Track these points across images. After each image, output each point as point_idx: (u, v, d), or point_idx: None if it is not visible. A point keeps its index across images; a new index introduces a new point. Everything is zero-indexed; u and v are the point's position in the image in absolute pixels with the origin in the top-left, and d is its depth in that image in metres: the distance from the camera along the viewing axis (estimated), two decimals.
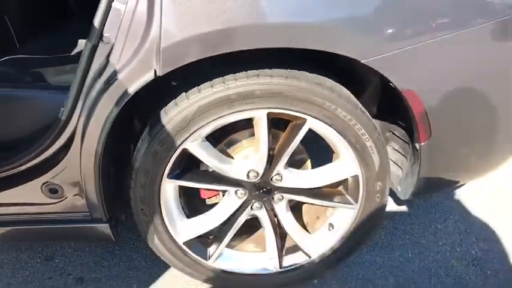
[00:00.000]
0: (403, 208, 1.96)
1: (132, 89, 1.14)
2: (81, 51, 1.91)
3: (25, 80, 1.61)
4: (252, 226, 1.61)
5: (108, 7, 1.14)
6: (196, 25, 1.06)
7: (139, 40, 1.10)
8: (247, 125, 1.39)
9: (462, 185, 1.99)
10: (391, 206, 1.97)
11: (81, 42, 2.00)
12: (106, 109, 1.17)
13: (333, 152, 1.40)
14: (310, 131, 1.30)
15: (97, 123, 1.20)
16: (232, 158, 1.42)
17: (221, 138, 1.43)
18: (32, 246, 1.74)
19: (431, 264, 1.69)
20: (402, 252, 1.74)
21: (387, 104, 1.46)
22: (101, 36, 1.15)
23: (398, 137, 1.52)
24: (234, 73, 1.20)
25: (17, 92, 1.50)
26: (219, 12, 1.05)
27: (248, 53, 1.12)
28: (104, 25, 1.15)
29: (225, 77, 1.19)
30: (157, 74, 1.11)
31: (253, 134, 1.40)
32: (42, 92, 1.50)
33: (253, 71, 1.19)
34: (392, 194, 1.55)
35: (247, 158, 1.38)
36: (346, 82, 1.31)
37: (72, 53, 1.94)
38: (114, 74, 1.14)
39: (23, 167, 1.37)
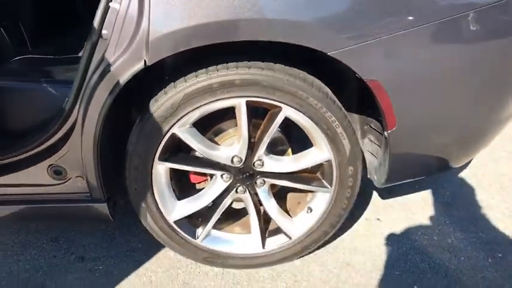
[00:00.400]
0: (387, 201, 2.07)
1: (124, 78, 1.29)
2: None
3: (33, 75, 1.79)
4: (239, 212, 1.75)
5: (107, 7, 1.30)
6: (177, 20, 1.21)
7: (131, 34, 1.26)
8: (233, 115, 1.53)
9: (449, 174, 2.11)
10: (376, 198, 2.09)
11: None
12: (101, 98, 1.33)
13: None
14: (288, 120, 1.44)
15: (94, 112, 1.35)
16: (219, 145, 1.56)
17: (209, 127, 1.58)
18: (39, 229, 1.90)
19: (408, 251, 1.79)
20: (381, 240, 1.85)
21: (362, 97, 1.60)
22: (100, 34, 1.31)
23: (374, 129, 1.65)
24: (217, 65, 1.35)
25: (27, 85, 1.68)
26: (197, 9, 1.20)
27: (238, 47, 1.27)
28: (103, 23, 1.31)
29: (208, 68, 1.35)
30: (147, 64, 1.27)
31: (232, 127, 1.55)
32: (50, 85, 1.67)
33: (233, 63, 1.34)
34: (376, 187, 1.67)
35: (232, 145, 1.52)
36: (329, 80, 1.45)
37: (80, 54, 2.12)
38: (108, 66, 1.30)
39: (32, 152, 1.53)
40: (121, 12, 1.25)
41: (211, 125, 1.58)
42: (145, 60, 1.27)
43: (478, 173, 2.26)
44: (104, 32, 1.31)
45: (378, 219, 1.97)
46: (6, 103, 1.68)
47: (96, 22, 1.32)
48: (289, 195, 1.75)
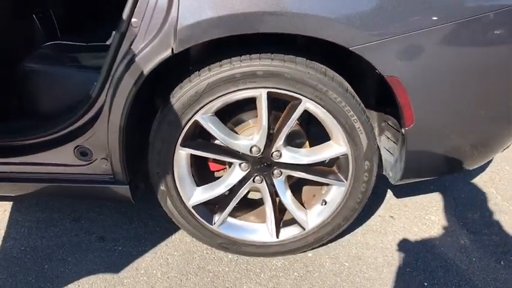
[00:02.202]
0: (402, 200, 2.09)
1: (151, 66, 1.35)
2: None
3: (62, 60, 1.87)
4: (255, 202, 1.79)
5: None
6: (206, 10, 1.26)
7: (161, 23, 1.31)
8: (254, 107, 1.58)
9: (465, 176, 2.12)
10: (391, 197, 2.11)
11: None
12: (128, 85, 1.39)
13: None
14: (307, 113, 1.48)
15: (121, 98, 1.42)
16: (238, 134, 1.61)
17: (230, 117, 1.63)
18: (62, 209, 1.98)
19: (419, 249, 1.81)
20: (394, 237, 1.87)
21: (382, 94, 1.63)
22: (129, 22, 1.37)
23: (392, 126, 1.67)
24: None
25: (56, 69, 1.76)
26: (226, 0, 1.25)
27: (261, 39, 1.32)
28: (133, 12, 1.37)
29: (231, 58, 1.39)
30: (174, 52, 1.32)
31: (251, 118, 1.60)
32: (78, 70, 1.74)
33: (256, 54, 1.39)
34: (391, 185, 1.70)
35: (251, 135, 1.57)
36: (349, 76, 1.49)
37: (107, 43, 2.19)
38: (136, 54, 1.35)
39: (60, 133, 1.60)
40: (151, 1, 1.30)
41: (232, 115, 1.63)
42: (172, 48, 1.32)
43: (495, 177, 2.26)
44: (133, 20, 1.37)
45: (391, 216, 1.99)
46: (36, 86, 1.76)
47: (126, 11, 1.37)
48: (305, 188, 1.79)
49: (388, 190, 2.15)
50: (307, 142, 1.68)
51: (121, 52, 1.40)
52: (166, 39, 1.31)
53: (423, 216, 2.00)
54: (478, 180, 2.23)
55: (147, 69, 1.35)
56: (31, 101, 1.78)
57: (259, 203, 1.78)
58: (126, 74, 1.38)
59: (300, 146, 1.67)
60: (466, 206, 2.06)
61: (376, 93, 1.69)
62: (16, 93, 1.83)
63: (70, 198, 1.98)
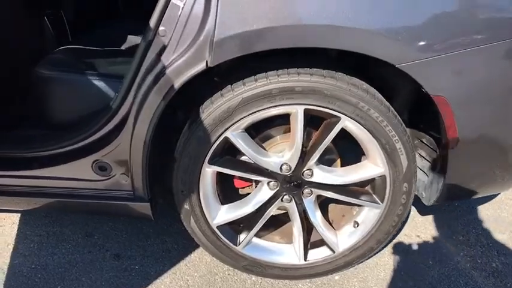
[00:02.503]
0: (427, 218, 2.01)
1: (182, 80, 1.25)
2: (132, 46, 2.08)
3: (78, 66, 1.76)
4: (278, 219, 1.70)
5: (167, 3, 1.27)
6: (246, 22, 1.17)
7: (195, 34, 1.22)
8: (282, 122, 1.49)
9: (490, 195, 2.04)
10: (416, 214, 2.03)
11: (131, 38, 2.16)
12: (156, 100, 1.30)
13: (363, 151, 1.48)
14: (341, 130, 1.39)
15: (148, 113, 1.32)
16: (267, 151, 1.52)
17: (258, 133, 1.53)
18: (73, 222, 1.88)
19: (451, 273, 1.73)
20: (423, 259, 1.79)
21: (417, 111, 1.55)
22: (156, 31, 1.28)
23: (426, 144, 1.59)
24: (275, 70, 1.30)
25: (71, 76, 1.65)
26: (268, 12, 1.16)
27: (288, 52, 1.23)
28: (161, 21, 1.27)
29: (268, 72, 1.30)
30: (208, 65, 1.22)
31: (287, 131, 1.50)
32: (95, 77, 1.64)
33: (294, 69, 1.30)
34: (416, 203, 1.61)
35: (281, 152, 1.47)
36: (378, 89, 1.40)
37: (122, 47, 2.09)
38: (166, 67, 1.26)
39: (77, 145, 1.50)
40: (185, 10, 1.21)
41: (259, 130, 1.54)
42: (207, 62, 1.22)
43: None
44: (161, 28, 1.27)
45: (418, 236, 1.91)
46: (51, 93, 1.66)
47: (153, 19, 1.28)
48: (333, 206, 1.70)
49: (412, 207, 2.07)
50: (339, 159, 1.59)
51: (147, 62, 1.31)
52: (201, 52, 1.22)
53: (450, 235, 1.92)
54: (505, 198, 2.15)
55: (178, 83, 1.26)
56: (45, 109, 1.67)
57: (283, 220, 1.69)
58: (154, 88, 1.28)
59: (330, 162, 1.58)
60: (495, 225, 1.98)
61: (408, 110, 1.60)
62: (28, 100, 1.73)
63: (84, 214, 1.87)
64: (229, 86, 1.33)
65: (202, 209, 1.49)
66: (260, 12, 1.16)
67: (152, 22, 1.30)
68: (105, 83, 1.63)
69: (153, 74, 1.28)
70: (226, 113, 1.32)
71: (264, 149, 1.52)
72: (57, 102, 1.66)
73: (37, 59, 1.80)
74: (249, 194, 1.58)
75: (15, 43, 1.78)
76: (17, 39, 1.80)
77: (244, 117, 1.33)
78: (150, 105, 1.31)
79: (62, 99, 1.65)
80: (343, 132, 1.39)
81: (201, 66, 1.23)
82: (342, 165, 1.59)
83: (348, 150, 1.58)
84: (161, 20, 1.28)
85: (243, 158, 1.51)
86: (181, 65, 1.24)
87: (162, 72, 1.27)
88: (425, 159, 1.60)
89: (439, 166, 1.48)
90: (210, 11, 1.17)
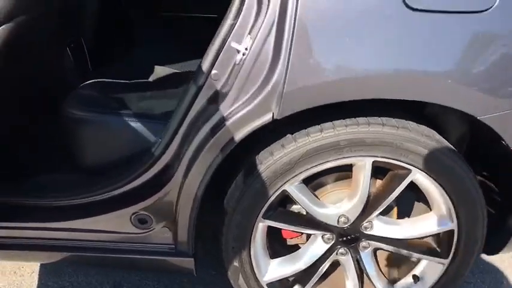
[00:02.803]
0: (487, 259, 1.90)
1: (243, 133, 1.14)
2: (160, 78, 1.96)
3: (109, 105, 1.63)
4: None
5: (222, 45, 1.16)
6: (322, 73, 1.06)
7: (260, 82, 1.10)
8: (335, 169, 1.37)
9: None
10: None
11: (158, 69, 2.04)
12: (211, 154, 1.18)
13: (427, 203, 1.37)
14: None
15: (200, 168, 1.20)
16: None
17: (309, 181, 1.41)
18: (99, 271, 1.73)
19: None
20: None
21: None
22: (208, 75, 1.17)
23: (490, 191, 1.48)
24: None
25: (106, 117, 1.52)
26: (344, 62, 1.05)
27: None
28: (214, 64, 1.16)
29: (334, 122, 1.19)
30: (275, 117, 1.11)
31: (339, 179, 1.39)
32: (130, 119, 1.51)
33: (363, 118, 1.19)
34: None
35: (338, 203, 1.36)
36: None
37: (150, 79, 1.97)
38: (223, 119, 1.14)
39: (112, 194, 1.38)
40: (249, 56, 1.10)
41: (311, 178, 1.41)
42: (273, 114, 1.11)
43: None
44: (214, 72, 1.16)
45: (483, 282, 1.79)
46: (82, 135, 1.52)
47: (206, 61, 1.18)
48: (387, 255, 1.58)
49: None
50: (395, 208, 1.48)
51: (196, 107, 1.20)
52: (267, 103, 1.10)
53: (500, 280, 1.81)
54: None
55: (239, 136, 1.14)
56: (75, 152, 1.54)
57: (329, 271, 1.56)
58: (211, 140, 1.16)
59: (386, 210, 1.47)
60: None
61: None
62: (55, 141, 1.59)
63: (117, 269, 1.73)
64: (289, 135, 1.21)
65: (252, 265, 1.37)
66: (335, 62, 1.06)
67: (205, 65, 1.19)
68: (141, 124, 1.50)
69: (208, 123, 1.17)
70: (287, 165, 1.21)
71: (318, 199, 1.41)
72: (89, 144, 1.52)
73: (62, 93, 1.67)
74: (297, 244, 1.46)
75: (41, 78, 1.64)
76: (42, 72, 1.66)
77: (307, 169, 1.22)
78: (205, 159, 1.18)
79: (95, 142, 1.51)
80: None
81: (266, 118, 1.12)
82: (397, 214, 1.48)
83: (403, 197, 1.46)
84: (215, 63, 1.17)
85: (294, 207, 1.40)
86: (243, 116, 1.13)
87: (220, 123, 1.15)
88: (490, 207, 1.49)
89: (506, 216, 1.38)
90: (280, 59, 1.06)
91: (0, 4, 1.20)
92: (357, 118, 1.19)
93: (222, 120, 1.14)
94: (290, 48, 1.04)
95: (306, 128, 1.20)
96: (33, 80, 1.61)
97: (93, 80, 1.77)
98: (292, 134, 1.21)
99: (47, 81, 1.71)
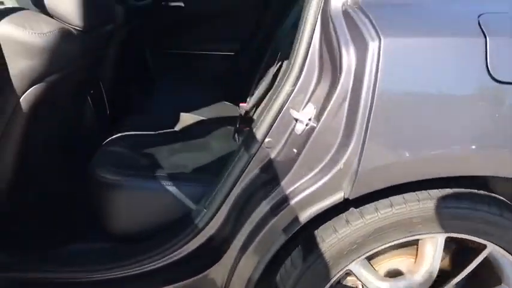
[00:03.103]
0: None
1: (309, 214, 1.03)
2: (186, 126, 1.85)
3: (140, 164, 1.52)
4: None
5: (278, 113, 1.06)
6: (403, 150, 0.96)
7: (328, 158, 1.00)
8: None
9: None
10: None
11: (184, 116, 1.94)
12: (272, 237, 1.07)
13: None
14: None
15: (258, 250, 1.10)
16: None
17: None
18: None
19: None
20: None
21: None
22: (262, 143, 1.07)
23: None
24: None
25: (139, 182, 1.41)
26: (426, 137, 0.95)
27: None
28: (269, 131, 1.07)
29: (405, 196, 1.08)
30: (346, 197, 1.00)
31: (393, 248, 1.27)
32: (165, 181, 1.40)
33: (435, 190, 1.09)
34: None
35: (402, 280, 1.24)
36: None
37: (177, 128, 1.87)
38: (285, 197, 1.04)
39: (147, 268, 1.26)
40: (317, 128, 0.99)
41: None
42: (344, 193, 1.00)
43: None
44: (267, 140, 1.06)
45: None
46: (116, 201, 1.40)
47: (261, 128, 1.08)
48: None
49: None
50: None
51: (247, 177, 1.09)
52: (337, 181, 1.00)
53: None
54: None
55: (304, 217, 1.04)
56: (105, 219, 1.41)
57: None
58: (273, 220, 1.05)
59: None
60: None
61: None
62: (82, 207, 1.47)
63: None
64: (355, 210, 1.10)
65: None
66: (419, 140, 0.96)
67: (259, 132, 1.09)
68: (176, 187, 1.39)
69: (267, 201, 1.06)
70: (353, 244, 1.10)
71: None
72: (121, 211, 1.40)
73: (88, 149, 1.56)
74: None
75: (66, 134, 1.53)
76: (67, 128, 1.55)
77: (377, 247, 1.11)
78: (264, 240, 1.08)
79: (128, 208, 1.39)
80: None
81: (336, 198, 1.01)
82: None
83: None
84: (269, 130, 1.07)
85: (348, 278, 1.28)
86: (310, 196, 1.02)
87: (282, 202, 1.04)
88: None
89: None
90: (354, 135, 0.95)
91: (36, 64, 1.12)
92: (428, 191, 1.08)
93: (285, 199, 1.03)
94: (367, 125, 0.93)
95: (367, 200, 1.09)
96: (58, 138, 1.49)
97: (119, 134, 1.66)
98: (357, 207, 1.10)
99: (71, 138, 1.59)
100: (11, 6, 1.86)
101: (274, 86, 1.13)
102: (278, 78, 1.12)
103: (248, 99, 2.16)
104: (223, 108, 2.11)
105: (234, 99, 2.18)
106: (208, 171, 1.49)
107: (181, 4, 2.60)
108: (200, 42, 2.75)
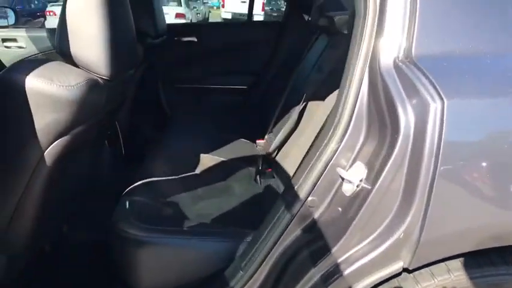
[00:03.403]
0: None
1: (364, 285, 0.95)
2: (206, 169, 1.77)
3: (164, 215, 1.44)
4: None
5: (322, 171, 0.99)
6: (470, 217, 0.88)
7: (384, 225, 0.92)
8: None
9: None
10: None
11: (204, 159, 1.87)
12: None
13: None
14: None
15: None
16: None
17: None
18: None
19: None
20: None
21: None
22: (304, 202, 1.00)
23: None
24: None
25: (165, 238, 1.32)
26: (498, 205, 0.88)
27: None
28: (312, 190, 0.99)
29: (462, 261, 1.00)
30: (406, 267, 0.92)
31: None
32: (191, 236, 1.33)
33: (496, 254, 1.01)
34: None
35: None
36: None
37: (197, 171, 1.80)
38: (337, 267, 0.96)
39: None
40: (373, 191, 0.91)
41: None
42: (403, 262, 0.92)
43: None
44: (310, 199, 0.99)
45: None
46: (141, 258, 1.31)
47: (305, 187, 1.01)
48: None
49: None
50: None
51: (289, 241, 1.03)
52: (396, 250, 0.92)
53: None
54: None
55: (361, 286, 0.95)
56: (129, 277, 1.32)
57: None
58: None
59: None
60: None
61: None
62: (103, 263, 1.38)
63: None
64: (408, 275, 1.02)
65: None
66: (487, 207, 0.88)
67: (302, 191, 1.01)
68: (204, 242, 1.31)
69: (317, 269, 0.98)
70: None
71: None
72: (146, 268, 1.30)
73: (104, 191, 1.48)
74: None
75: (86, 183, 1.45)
76: (86, 176, 1.47)
77: None
78: None
79: (154, 266, 1.30)
80: None
81: (394, 268, 0.93)
82: None
83: None
84: (313, 189, 0.99)
85: None
86: (366, 265, 0.94)
87: (335, 272, 0.96)
88: None
89: None
90: (415, 201, 0.88)
91: (63, 117, 1.05)
92: (489, 255, 1.01)
93: (337, 268, 0.95)
94: (430, 191, 0.86)
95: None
96: (77, 184, 1.42)
97: (139, 182, 1.58)
98: (410, 272, 1.02)
99: (90, 182, 1.51)
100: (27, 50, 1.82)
101: (317, 141, 1.06)
102: (320, 135, 1.05)
103: (266, 137, 2.10)
104: (241, 147, 2.05)
105: (250, 133, 2.12)
106: (233, 220, 1.44)
107: (194, 39, 2.57)
108: (211, 76, 2.72)
